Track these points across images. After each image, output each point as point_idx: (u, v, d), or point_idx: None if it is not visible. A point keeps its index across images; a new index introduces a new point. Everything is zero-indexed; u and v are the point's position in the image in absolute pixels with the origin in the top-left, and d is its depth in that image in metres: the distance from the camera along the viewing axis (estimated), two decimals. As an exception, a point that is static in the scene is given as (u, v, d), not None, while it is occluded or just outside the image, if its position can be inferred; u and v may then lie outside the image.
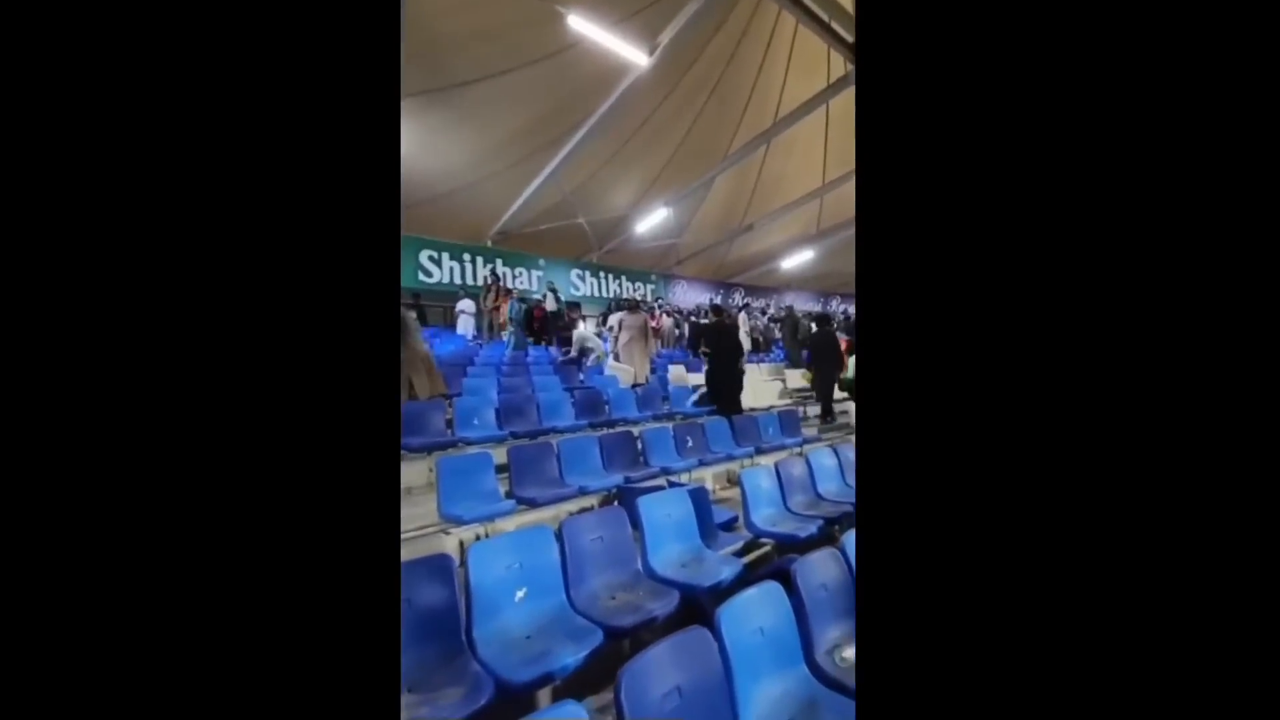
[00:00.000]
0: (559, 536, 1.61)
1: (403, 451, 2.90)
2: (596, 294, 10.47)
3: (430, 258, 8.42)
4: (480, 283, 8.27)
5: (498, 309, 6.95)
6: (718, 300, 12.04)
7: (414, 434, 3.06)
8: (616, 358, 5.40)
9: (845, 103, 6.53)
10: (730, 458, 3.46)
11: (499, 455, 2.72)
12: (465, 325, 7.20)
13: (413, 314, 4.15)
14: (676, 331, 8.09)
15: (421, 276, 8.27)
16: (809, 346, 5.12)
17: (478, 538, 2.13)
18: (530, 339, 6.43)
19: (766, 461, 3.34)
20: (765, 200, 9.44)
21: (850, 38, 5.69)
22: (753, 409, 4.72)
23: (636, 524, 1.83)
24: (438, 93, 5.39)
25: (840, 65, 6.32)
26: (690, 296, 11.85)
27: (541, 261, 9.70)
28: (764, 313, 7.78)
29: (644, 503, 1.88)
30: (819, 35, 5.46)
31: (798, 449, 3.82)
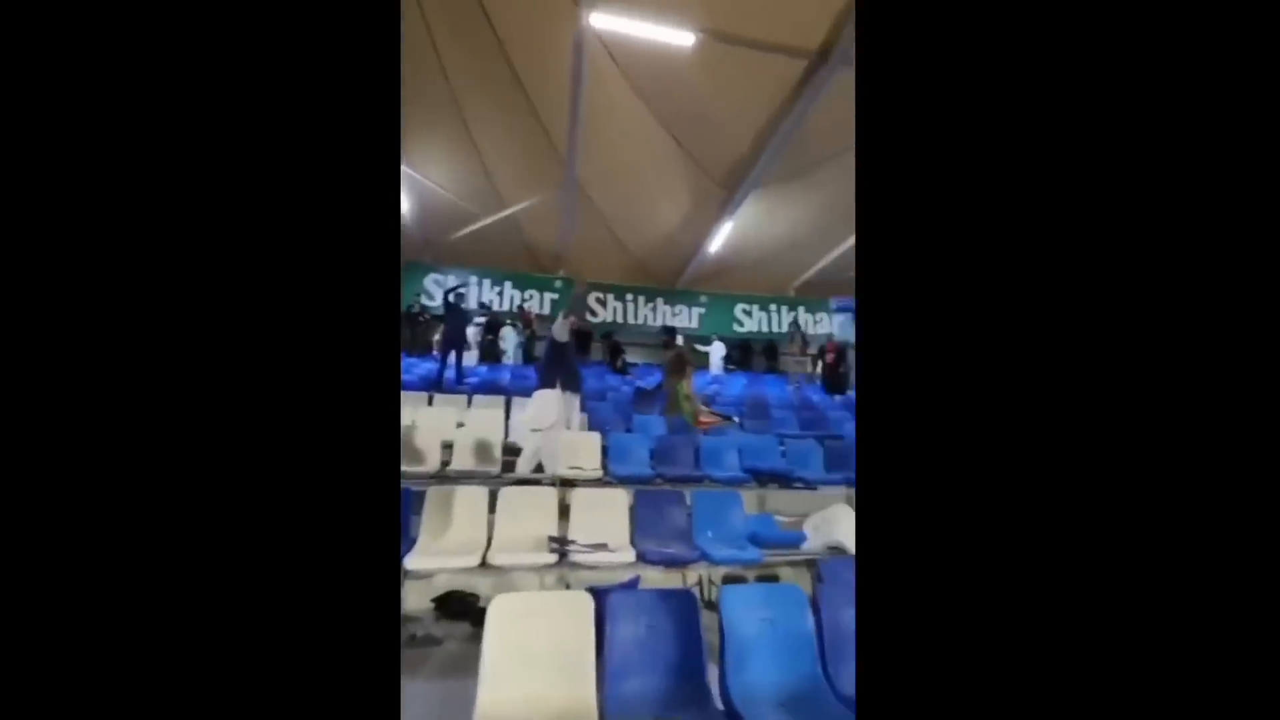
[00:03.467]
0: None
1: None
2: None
3: (743, 310, 9.79)
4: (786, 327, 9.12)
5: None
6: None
7: (667, 464, 3.69)
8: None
9: None
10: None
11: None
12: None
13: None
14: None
15: (735, 326, 9.69)
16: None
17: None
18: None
19: None
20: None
21: None
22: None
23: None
24: (791, 178, 6.45)
25: None
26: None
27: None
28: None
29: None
30: None
31: None
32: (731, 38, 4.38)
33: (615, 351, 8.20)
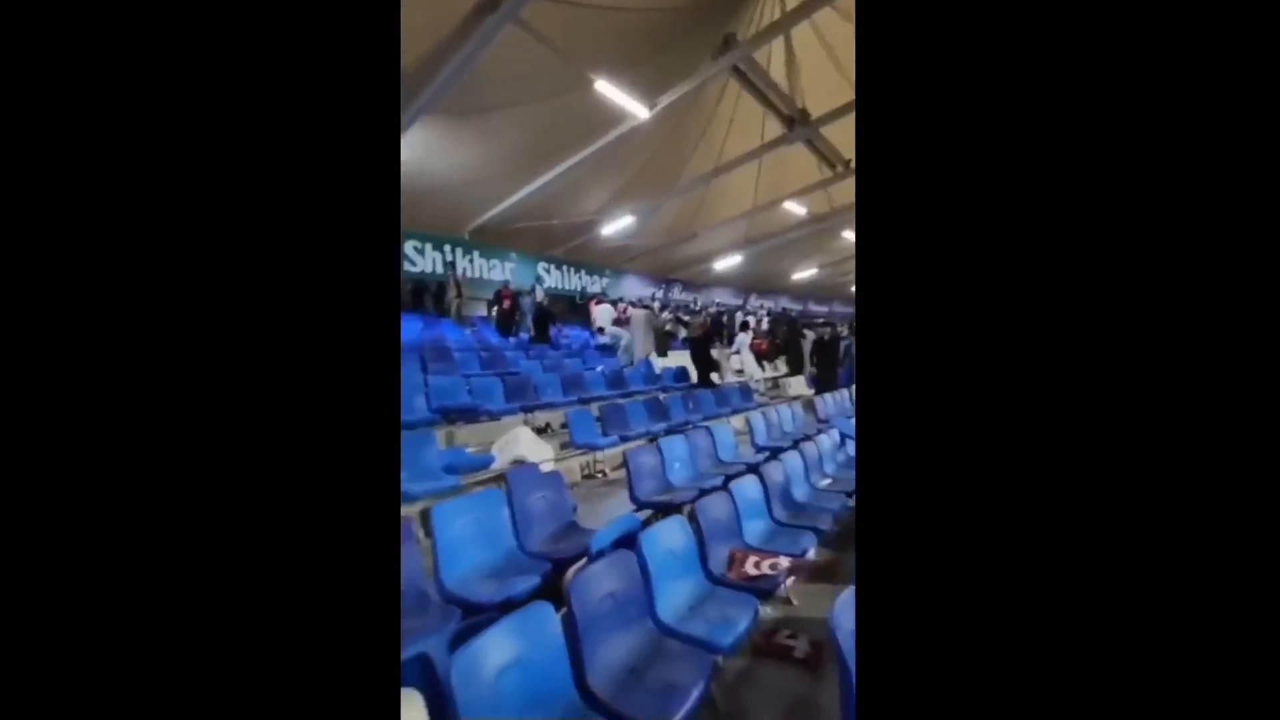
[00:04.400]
0: (689, 442, 3.17)
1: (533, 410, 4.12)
2: (561, 285, 11.61)
3: (415, 248, 8.94)
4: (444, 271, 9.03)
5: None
6: (659, 293, 13.83)
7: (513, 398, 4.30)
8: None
9: (776, 153, 8.54)
10: (718, 415, 5.18)
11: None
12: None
13: None
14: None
15: (407, 265, 8.80)
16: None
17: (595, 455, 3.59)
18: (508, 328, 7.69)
19: (737, 419, 5.15)
20: (709, 213, 11.29)
21: (783, 110, 7.63)
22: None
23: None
24: (463, 114, 6.23)
25: (774, 128, 8.29)
26: (637, 289, 13.43)
27: (513, 254, 10.56)
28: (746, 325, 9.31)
29: (716, 429, 3.50)
30: (758, 101, 7.36)
31: (753, 409, 5.67)
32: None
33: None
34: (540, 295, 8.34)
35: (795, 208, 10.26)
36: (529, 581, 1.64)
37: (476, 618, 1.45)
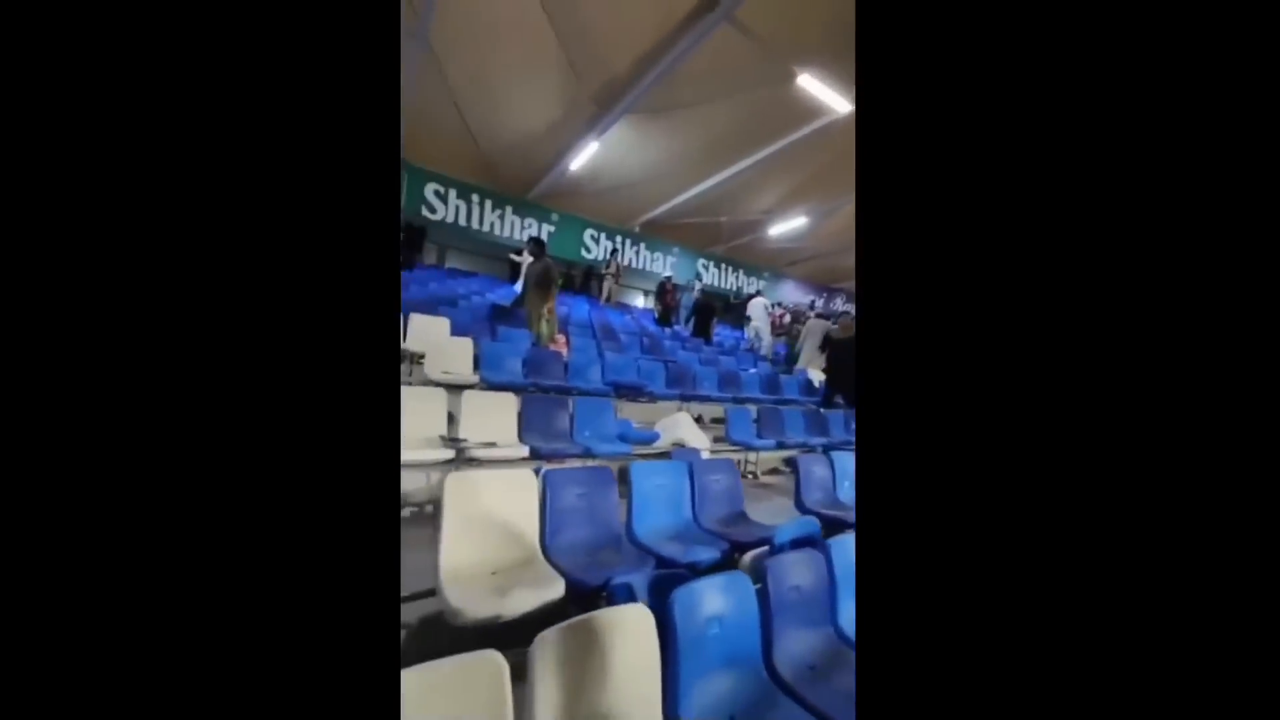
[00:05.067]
0: (827, 457, 2.95)
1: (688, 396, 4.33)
2: (718, 283, 11.70)
3: (591, 236, 9.93)
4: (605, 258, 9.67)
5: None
6: (819, 303, 12.95)
7: (539, 375, 4.48)
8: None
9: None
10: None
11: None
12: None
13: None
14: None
15: (583, 252, 9.83)
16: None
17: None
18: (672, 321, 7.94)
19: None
20: (892, 220, 10.15)
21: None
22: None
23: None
24: (656, 111, 6.65)
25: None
26: (795, 295, 12.80)
27: (676, 249, 10.98)
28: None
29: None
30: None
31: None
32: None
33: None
34: (697, 292, 8.52)
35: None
36: (710, 553, 1.73)
37: (667, 570, 1.59)
